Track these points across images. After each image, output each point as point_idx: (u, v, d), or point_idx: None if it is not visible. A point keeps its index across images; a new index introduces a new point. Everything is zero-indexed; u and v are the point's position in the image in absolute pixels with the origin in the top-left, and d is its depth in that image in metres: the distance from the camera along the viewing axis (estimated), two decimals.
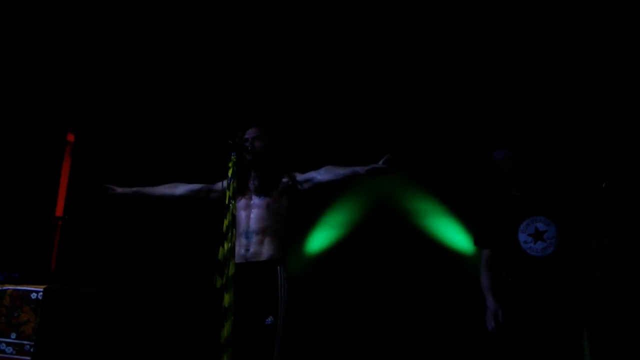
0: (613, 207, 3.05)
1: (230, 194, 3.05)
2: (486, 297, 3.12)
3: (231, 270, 2.94)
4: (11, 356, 3.75)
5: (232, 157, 3.13)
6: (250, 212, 3.25)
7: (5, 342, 3.78)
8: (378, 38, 5.01)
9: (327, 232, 5.42)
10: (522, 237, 3.06)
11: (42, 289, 3.84)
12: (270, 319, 2.99)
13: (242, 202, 3.29)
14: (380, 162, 2.99)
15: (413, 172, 5.32)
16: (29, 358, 3.71)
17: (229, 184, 3.05)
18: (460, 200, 5.13)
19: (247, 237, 3.20)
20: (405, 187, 5.36)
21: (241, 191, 3.26)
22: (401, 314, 5.03)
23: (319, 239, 5.43)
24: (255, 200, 3.27)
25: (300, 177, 3.31)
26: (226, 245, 2.96)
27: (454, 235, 5.21)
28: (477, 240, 3.34)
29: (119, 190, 3.52)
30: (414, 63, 5.14)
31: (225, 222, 2.99)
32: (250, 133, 3.34)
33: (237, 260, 3.17)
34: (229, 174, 3.09)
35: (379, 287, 5.19)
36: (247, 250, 3.19)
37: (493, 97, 5.02)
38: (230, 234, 3.00)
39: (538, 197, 3.12)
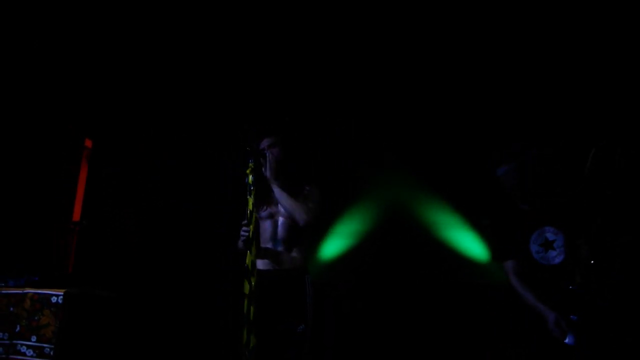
0: (612, 207, 3.09)
1: (253, 200, 3.11)
2: (539, 309, 3.05)
3: (256, 276, 2.99)
4: (32, 359, 3.78)
5: (250, 164, 3.18)
6: (277, 220, 3.27)
7: (26, 345, 3.81)
8: (390, 48, 5.06)
9: (339, 240, 5.45)
10: (534, 247, 3.10)
11: (62, 293, 3.87)
12: (301, 327, 3.02)
13: (267, 212, 3.30)
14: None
15: (425, 179, 5.35)
16: None
17: (249, 190, 3.11)
18: (472, 208, 5.15)
19: (274, 246, 3.22)
20: (418, 195, 5.39)
21: (265, 201, 3.28)
22: (414, 321, 5.05)
23: (332, 247, 5.45)
24: (281, 208, 3.29)
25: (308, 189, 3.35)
26: (253, 251, 3.02)
27: (467, 242, 5.23)
28: (498, 255, 3.33)
29: None
30: (428, 72, 5.18)
31: (251, 228, 3.05)
32: (265, 142, 3.36)
33: (263, 267, 3.20)
34: (249, 180, 3.15)
35: (391, 294, 5.21)
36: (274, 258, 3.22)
37: (506, 106, 5.05)
38: (255, 240, 3.06)
39: (544, 207, 3.16)
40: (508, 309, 3.42)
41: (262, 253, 3.23)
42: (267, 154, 3.29)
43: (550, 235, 3.08)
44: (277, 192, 3.19)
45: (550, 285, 3.03)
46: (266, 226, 3.30)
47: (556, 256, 3.05)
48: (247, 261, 2.93)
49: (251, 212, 3.04)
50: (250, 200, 3.08)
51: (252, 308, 2.84)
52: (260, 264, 3.22)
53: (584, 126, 4.41)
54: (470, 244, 5.25)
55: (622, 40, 4.50)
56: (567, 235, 3.05)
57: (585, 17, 4.45)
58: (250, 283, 2.89)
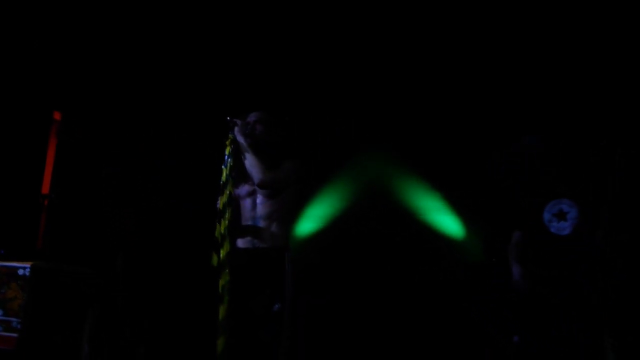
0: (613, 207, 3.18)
1: (228, 172, 3.06)
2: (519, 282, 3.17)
3: (227, 248, 2.96)
4: None
5: (230, 135, 3.12)
6: (256, 198, 3.19)
7: None
8: (380, 32, 5.04)
9: (319, 219, 5.43)
10: (547, 216, 3.18)
11: (29, 266, 3.80)
12: (277, 305, 2.98)
13: (244, 189, 3.22)
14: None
15: (407, 159, 5.36)
16: (16, 335, 3.67)
17: (226, 162, 3.06)
18: (452, 186, 5.18)
19: (254, 224, 3.15)
20: (397, 172, 5.40)
21: (243, 178, 3.21)
22: (392, 300, 5.08)
23: (309, 224, 5.43)
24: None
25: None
26: (223, 224, 2.97)
27: (445, 220, 5.27)
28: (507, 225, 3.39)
29: None
30: (410, 56, 5.16)
31: (223, 200, 3.00)
32: (252, 117, 3.29)
33: (244, 245, 3.14)
34: (227, 152, 3.09)
35: (370, 272, 5.23)
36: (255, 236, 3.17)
37: (486, 89, 5.07)
38: (227, 213, 3.01)
39: (564, 179, 3.23)
40: (486, 289, 3.47)
41: (243, 231, 3.18)
42: (247, 130, 3.19)
43: (565, 207, 3.15)
44: (247, 152, 3.11)
45: (554, 254, 3.11)
46: (246, 204, 3.23)
47: (566, 228, 3.11)
48: (216, 233, 2.89)
49: (224, 183, 2.99)
50: (225, 171, 3.03)
51: (220, 281, 2.81)
52: (241, 243, 3.17)
53: (579, 124, 4.45)
54: (449, 225, 5.28)
55: (618, 39, 4.55)
56: (581, 210, 3.12)
57: (582, 16, 4.48)
58: (218, 256, 2.85)
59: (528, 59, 4.83)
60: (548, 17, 4.51)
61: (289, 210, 3.21)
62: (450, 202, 5.23)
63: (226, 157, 3.07)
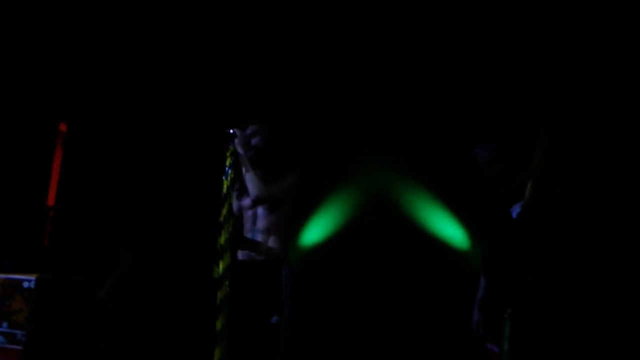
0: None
1: (229, 184, 3.06)
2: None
3: (227, 260, 2.95)
4: (3, 345, 3.72)
5: (231, 147, 3.13)
6: (256, 211, 3.19)
7: None
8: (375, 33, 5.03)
9: (320, 228, 5.42)
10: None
11: (34, 278, 3.81)
12: (275, 318, 2.97)
13: (247, 201, 3.22)
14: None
15: (409, 166, 5.33)
16: (20, 347, 3.68)
17: (227, 174, 3.06)
18: (455, 195, 5.15)
19: (253, 236, 3.15)
20: (401, 181, 5.38)
21: (246, 190, 3.21)
22: (396, 309, 5.06)
23: (313, 235, 5.42)
24: None
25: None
26: (224, 235, 2.97)
27: (449, 229, 5.24)
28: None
29: None
30: (408, 59, 5.14)
31: (223, 212, 3.00)
32: (251, 129, 3.30)
33: (241, 257, 3.16)
34: (227, 163, 3.09)
35: (374, 281, 5.21)
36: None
37: (490, 93, 5.04)
38: (227, 224, 3.01)
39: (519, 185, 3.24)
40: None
41: (242, 243, 3.18)
42: (239, 133, 3.19)
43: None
44: (244, 162, 3.11)
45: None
46: (247, 216, 3.24)
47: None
48: (217, 245, 2.89)
49: (225, 195, 2.99)
50: (226, 183, 3.03)
51: (219, 293, 2.80)
52: (240, 255, 3.18)
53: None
54: (452, 231, 5.25)
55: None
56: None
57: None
58: (218, 267, 2.85)
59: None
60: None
61: (288, 223, 3.20)
62: (454, 212, 5.20)
63: (227, 168, 3.07)
